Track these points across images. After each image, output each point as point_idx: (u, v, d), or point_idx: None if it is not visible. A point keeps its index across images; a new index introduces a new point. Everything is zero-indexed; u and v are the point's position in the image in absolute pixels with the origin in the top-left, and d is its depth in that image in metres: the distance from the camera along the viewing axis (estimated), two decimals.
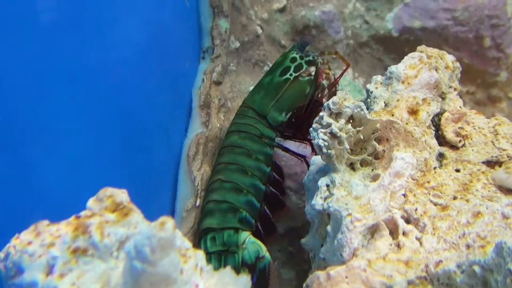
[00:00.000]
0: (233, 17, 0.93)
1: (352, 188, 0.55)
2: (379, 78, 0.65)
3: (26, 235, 0.40)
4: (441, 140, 0.63)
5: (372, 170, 0.58)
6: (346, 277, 0.48)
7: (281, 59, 0.82)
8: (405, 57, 0.64)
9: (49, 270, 0.39)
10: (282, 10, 1.02)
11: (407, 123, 0.60)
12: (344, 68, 0.81)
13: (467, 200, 0.53)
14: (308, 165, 0.66)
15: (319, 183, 0.58)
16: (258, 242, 0.70)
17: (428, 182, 0.57)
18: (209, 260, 0.70)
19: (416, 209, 0.53)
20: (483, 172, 0.57)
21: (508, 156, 0.58)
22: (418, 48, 0.67)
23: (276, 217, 0.79)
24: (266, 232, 0.75)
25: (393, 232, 0.52)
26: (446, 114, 0.63)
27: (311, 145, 0.78)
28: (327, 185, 0.57)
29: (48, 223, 0.42)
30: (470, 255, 0.45)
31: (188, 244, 0.42)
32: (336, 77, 0.82)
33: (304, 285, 0.52)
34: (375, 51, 1.04)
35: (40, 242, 0.39)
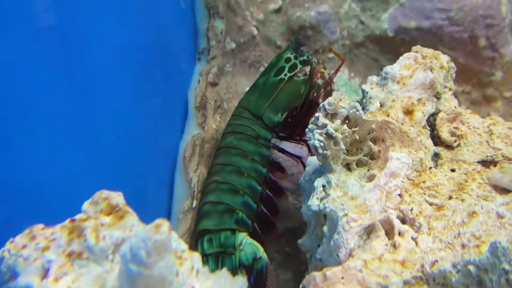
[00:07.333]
0: (229, 18, 0.93)
1: (348, 189, 0.55)
2: (374, 78, 0.65)
3: (20, 239, 0.40)
4: (437, 140, 0.63)
5: (368, 170, 0.58)
6: (342, 278, 0.48)
7: (275, 59, 0.82)
8: (400, 58, 0.65)
9: (44, 274, 0.39)
10: (277, 11, 1.02)
11: (402, 123, 0.60)
12: (339, 64, 0.81)
13: (462, 200, 0.53)
14: (304, 166, 0.65)
15: (315, 183, 0.58)
16: (255, 243, 0.70)
17: (424, 182, 0.57)
18: (206, 261, 0.69)
19: (411, 209, 0.53)
20: (478, 172, 0.57)
21: (502, 156, 0.58)
22: (413, 48, 0.67)
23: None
24: (266, 231, 0.75)
25: (389, 232, 0.52)
26: (441, 114, 0.63)
27: (307, 145, 0.78)
28: (323, 186, 0.57)
29: (42, 226, 0.42)
30: (465, 255, 0.46)
31: (184, 246, 0.42)
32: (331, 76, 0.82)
33: (300, 286, 0.52)
34: (371, 51, 1.04)
35: (34, 245, 0.39)
